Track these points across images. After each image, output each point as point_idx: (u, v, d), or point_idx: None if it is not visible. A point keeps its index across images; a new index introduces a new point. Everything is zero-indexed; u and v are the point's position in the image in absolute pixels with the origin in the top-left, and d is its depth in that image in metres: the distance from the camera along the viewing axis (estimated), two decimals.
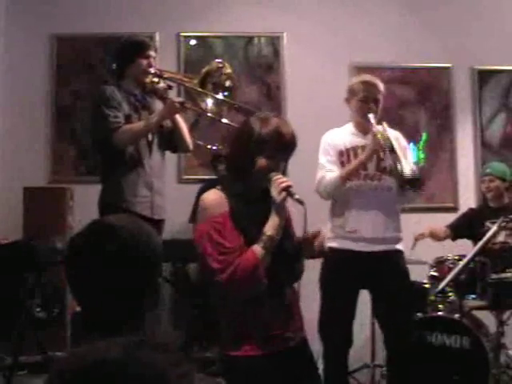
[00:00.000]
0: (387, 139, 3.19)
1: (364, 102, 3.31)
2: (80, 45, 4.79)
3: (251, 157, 2.11)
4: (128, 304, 1.36)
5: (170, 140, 3.47)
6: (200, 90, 3.33)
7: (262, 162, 2.10)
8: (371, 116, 3.26)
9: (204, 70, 3.38)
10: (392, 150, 3.17)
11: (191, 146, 3.57)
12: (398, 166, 3.13)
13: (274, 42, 4.91)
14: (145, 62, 3.38)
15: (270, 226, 2.07)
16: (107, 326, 1.31)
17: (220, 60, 3.48)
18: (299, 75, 4.82)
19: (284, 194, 2.07)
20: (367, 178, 3.29)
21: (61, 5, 4.80)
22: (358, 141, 3.33)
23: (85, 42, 4.79)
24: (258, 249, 2.04)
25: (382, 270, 3.24)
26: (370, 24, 4.94)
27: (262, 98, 4.85)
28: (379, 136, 3.19)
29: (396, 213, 3.34)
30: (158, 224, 3.29)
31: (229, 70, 3.38)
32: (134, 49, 3.41)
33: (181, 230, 4.32)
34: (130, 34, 3.72)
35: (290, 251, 2.16)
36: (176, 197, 4.14)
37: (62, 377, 0.74)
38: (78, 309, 1.47)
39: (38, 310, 3.69)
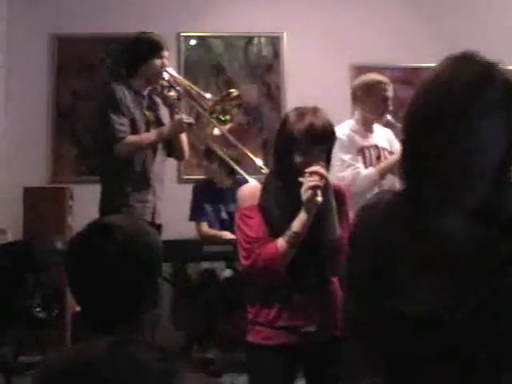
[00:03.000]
0: None
1: (384, 101, 3.37)
2: (80, 45, 4.79)
3: (288, 153, 2.13)
4: (128, 304, 1.36)
5: (168, 145, 3.47)
6: (208, 114, 3.32)
7: (297, 158, 2.11)
8: (390, 117, 3.33)
9: (221, 95, 3.40)
10: None
11: (187, 156, 3.58)
12: None
13: (274, 41, 4.91)
14: (159, 62, 3.34)
15: (297, 222, 2.08)
16: (107, 325, 1.32)
17: (236, 90, 3.47)
18: (299, 75, 4.82)
19: (309, 192, 2.06)
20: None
21: (61, 5, 4.80)
22: (368, 138, 3.41)
23: (85, 42, 4.79)
24: (281, 242, 2.07)
25: None
26: (370, 24, 4.93)
27: (262, 98, 4.85)
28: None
29: None
30: (158, 228, 3.28)
31: (241, 101, 3.40)
32: (150, 48, 3.35)
33: (181, 230, 4.32)
34: (145, 32, 3.68)
35: (326, 247, 2.14)
36: (176, 197, 4.14)
37: (47, 377, 0.74)
38: (78, 309, 1.47)
39: (37, 310, 3.69)
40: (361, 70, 4.83)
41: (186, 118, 3.33)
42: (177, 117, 3.35)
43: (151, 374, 0.73)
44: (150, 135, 3.33)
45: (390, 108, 3.39)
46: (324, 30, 4.90)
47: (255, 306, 2.17)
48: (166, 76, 3.37)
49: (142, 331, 1.32)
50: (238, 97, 3.38)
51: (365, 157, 3.35)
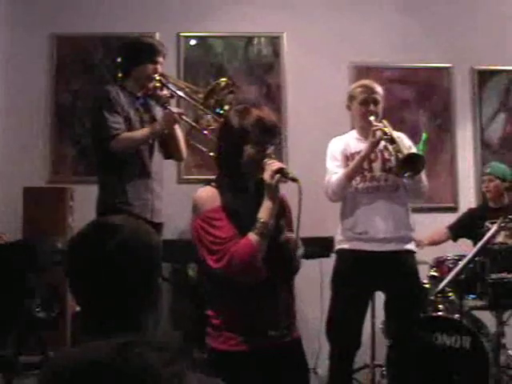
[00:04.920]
0: (387, 132, 3.25)
1: (364, 104, 3.37)
2: (80, 45, 4.79)
3: (238, 149, 2.13)
4: (128, 304, 1.36)
5: (166, 146, 3.47)
6: (202, 107, 3.31)
7: (249, 151, 2.12)
8: (372, 118, 3.31)
9: (210, 86, 3.37)
10: (392, 141, 3.23)
11: (185, 156, 3.58)
12: (398, 151, 3.20)
13: (274, 41, 4.91)
14: (151, 67, 3.34)
15: (263, 211, 2.08)
16: (107, 325, 1.31)
17: (225, 79, 3.44)
18: (299, 75, 4.82)
19: (277, 176, 2.08)
20: (373, 180, 3.33)
21: (61, 5, 4.80)
22: (362, 145, 3.37)
23: (85, 42, 4.78)
24: (252, 236, 2.05)
25: (394, 271, 3.27)
26: (370, 24, 4.93)
27: (262, 98, 4.85)
28: (378, 129, 3.25)
29: (405, 212, 3.38)
30: (157, 227, 3.27)
31: (233, 88, 3.37)
32: (145, 51, 3.35)
33: (181, 230, 4.32)
34: (144, 35, 3.65)
35: (285, 246, 2.15)
36: (176, 197, 4.13)
37: (53, 378, 0.74)
38: (78, 309, 1.47)
39: (37, 309, 3.69)
40: (361, 69, 4.84)
41: (175, 109, 3.34)
42: (166, 110, 3.35)
43: (160, 378, 0.72)
44: (143, 130, 3.33)
45: (373, 110, 3.36)
46: (324, 30, 4.90)
47: (225, 311, 2.12)
48: (156, 77, 3.36)
49: (143, 331, 1.32)
50: (228, 85, 3.35)
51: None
